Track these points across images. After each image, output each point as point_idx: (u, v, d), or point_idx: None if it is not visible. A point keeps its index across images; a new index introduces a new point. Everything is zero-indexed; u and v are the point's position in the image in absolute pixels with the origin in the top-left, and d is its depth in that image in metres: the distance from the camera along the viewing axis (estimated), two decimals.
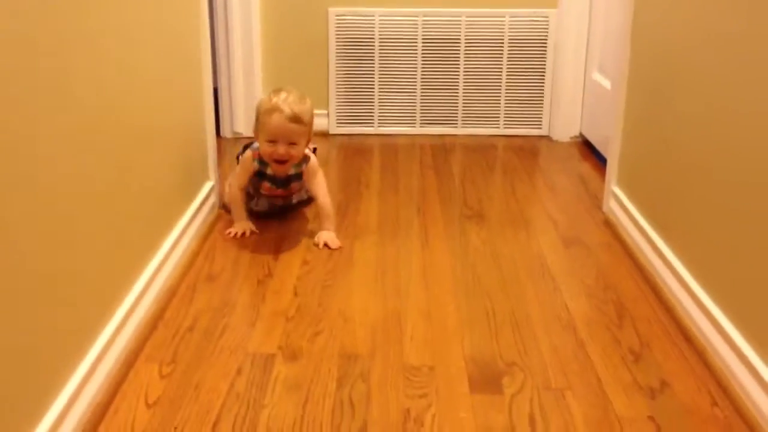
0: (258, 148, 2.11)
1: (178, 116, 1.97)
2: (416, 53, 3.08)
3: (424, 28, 3.05)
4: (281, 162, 2.07)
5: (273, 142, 2.04)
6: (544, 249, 2.10)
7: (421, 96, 3.12)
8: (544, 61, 3.08)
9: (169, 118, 1.89)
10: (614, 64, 2.38)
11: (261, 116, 2.05)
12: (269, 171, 2.13)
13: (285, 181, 2.16)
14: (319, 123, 3.11)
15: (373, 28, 3.05)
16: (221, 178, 2.39)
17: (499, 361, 1.55)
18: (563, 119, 3.08)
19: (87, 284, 1.37)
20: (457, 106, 3.13)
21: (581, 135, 3.06)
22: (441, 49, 3.08)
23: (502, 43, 3.06)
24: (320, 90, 3.09)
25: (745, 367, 1.40)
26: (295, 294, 1.83)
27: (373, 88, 3.12)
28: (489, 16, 3.04)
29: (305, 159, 2.13)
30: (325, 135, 3.12)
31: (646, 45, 2.04)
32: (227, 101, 3.06)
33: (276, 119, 2.01)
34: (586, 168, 2.77)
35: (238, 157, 2.25)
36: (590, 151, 2.94)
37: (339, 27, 3.05)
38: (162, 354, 1.56)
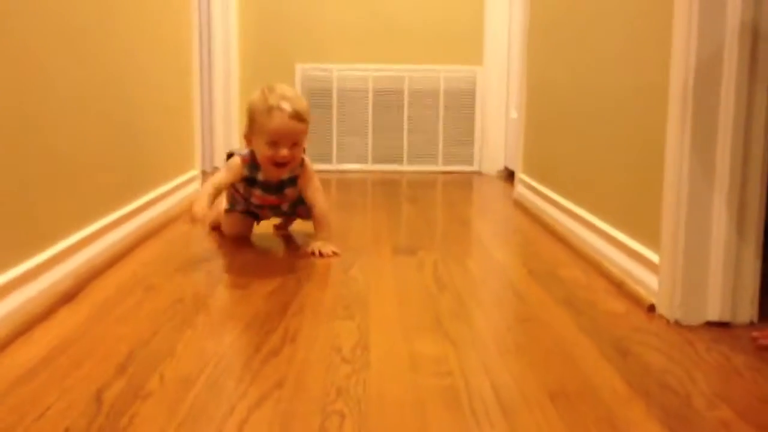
0: (246, 154, 1.93)
1: (171, 99, 2.52)
2: (368, 102, 3.70)
3: (374, 81, 3.69)
4: (283, 165, 1.88)
5: (274, 143, 1.84)
6: (466, 216, 2.63)
7: (373, 138, 3.72)
8: (473, 109, 3.71)
9: (163, 96, 2.44)
10: (520, 101, 3.03)
11: (258, 117, 1.85)
12: (260, 177, 1.94)
13: (278, 187, 1.97)
14: None
15: (332, 81, 3.68)
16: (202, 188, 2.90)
17: (417, 246, 2.05)
18: (490, 156, 3.69)
19: (75, 202, 1.88)
20: (402, 146, 3.73)
21: (506, 168, 3.66)
22: (388, 99, 3.71)
23: (439, 94, 3.70)
24: None
25: (603, 240, 1.92)
26: None
27: (332, 130, 3.71)
28: (427, 72, 3.69)
29: (301, 163, 1.94)
30: None
31: (535, 84, 2.69)
32: (208, 140, 3.62)
33: (278, 118, 1.82)
34: (507, 187, 3.35)
35: (228, 157, 2.05)
36: (511, 178, 3.52)
37: (304, 79, 3.68)
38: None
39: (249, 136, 1.91)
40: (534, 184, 2.62)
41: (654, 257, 1.53)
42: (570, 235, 2.11)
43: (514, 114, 3.52)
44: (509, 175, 3.64)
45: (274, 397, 1.07)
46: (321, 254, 1.88)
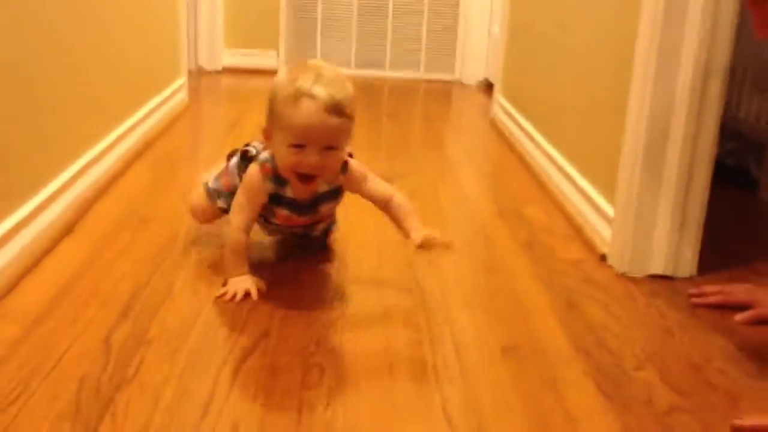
0: (268, 160, 1.38)
1: (155, 13, 2.56)
2: (353, 6, 3.72)
3: None
4: (308, 179, 1.34)
5: (300, 147, 1.30)
6: (442, 133, 2.75)
7: (356, 42, 3.76)
8: (456, 18, 3.75)
9: (147, 11, 2.48)
10: (502, 19, 3.07)
11: (279, 106, 1.30)
12: (289, 193, 1.40)
13: (311, 205, 1.44)
14: (269, 63, 3.72)
15: None
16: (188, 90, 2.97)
17: (395, 173, 2.18)
18: (471, 66, 3.76)
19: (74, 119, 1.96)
20: (385, 52, 3.78)
21: (486, 79, 3.73)
22: (373, 5, 3.72)
23: (423, 3, 3.73)
24: (272, 32, 3.71)
25: (567, 182, 2.05)
26: None
27: (316, 34, 3.74)
28: None
29: (342, 167, 1.40)
30: (275, 73, 3.73)
31: (517, 5, 2.74)
32: (192, 36, 3.64)
33: (307, 110, 1.27)
34: (485, 98, 3.44)
35: (229, 158, 1.55)
36: (491, 89, 3.61)
37: None
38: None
39: (268, 132, 1.36)
40: (510, 109, 2.72)
41: (609, 209, 1.67)
42: (539, 170, 2.23)
43: (496, 29, 3.56)
44: (488, 86, 3.72)
45: (261, 348, 1.22)
46: (434, 244, 1.38)
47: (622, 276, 1.58)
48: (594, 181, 1.82)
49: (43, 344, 1.20)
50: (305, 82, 1.28)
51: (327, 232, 1.62)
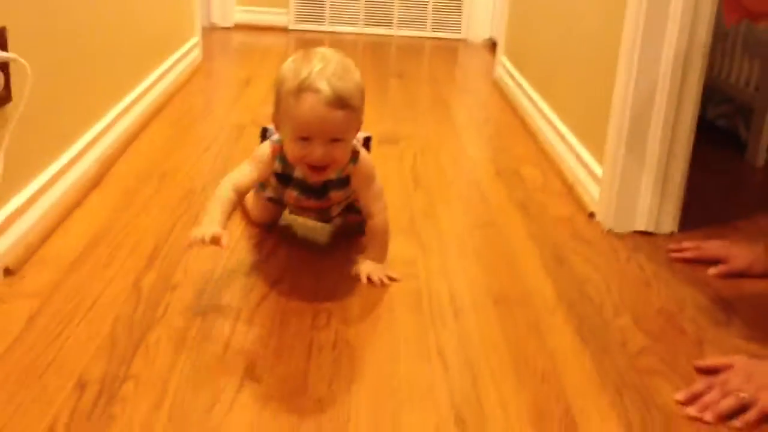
0: (279, 142, 1.39)
1: None
2: None
3: None
4: (318, 170, 1.35)
5: (305, 139, 1.30)
6: (446, 93, 2.85)
7: (365, 1, 3.83)
8: None
9: None
10: None
11: (284, 98, 1.31)
12: (297, 174, 1.42)
13: (320, 190, 1.45)
14: (280, 20, 3.81)
15: None
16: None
17: (400, 134, 2.29)
18: (477, 25, 3.84)
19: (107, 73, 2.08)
20: (393, 11, 3.86)
21: (491, 38, 3.81)
22: None
23: None
24: None
25: (562, 143, 2.16)
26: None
27: None
28: None
29: (353, 156, 1.40)
30: (285, 30, 3.82)
31: None
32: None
33: (309, 104, 1.27)
34: (489, 57, 3.53)
35: (262, 136, 1.53)
36: (495, 48, 3.69)
37: None
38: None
39: (277, 121, 1.36)
40: (512, 69, 2.82)
41: (599, 170, 1.79)
42: (537, 131, 2.34)
43: None
44: (493, 45, 3.80)
45: (274, 294, 1.36)
46: (371, 281, 1.41)
47: (608, 232, 1.70)
48: (586, 142, 1.93)
49: (79, 287, 1.34)
50: (309, 75, 1.27)
51: (347, 214, 1.57)
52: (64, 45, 1.63)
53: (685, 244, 1.61)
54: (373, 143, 1.61)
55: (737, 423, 1.09)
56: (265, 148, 1.40)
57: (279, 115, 1.34)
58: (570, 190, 1.92)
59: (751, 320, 1.37)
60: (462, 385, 1.14)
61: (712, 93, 2.44)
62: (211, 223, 1.28)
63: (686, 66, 1.60)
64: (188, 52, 2.81)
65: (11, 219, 1.38)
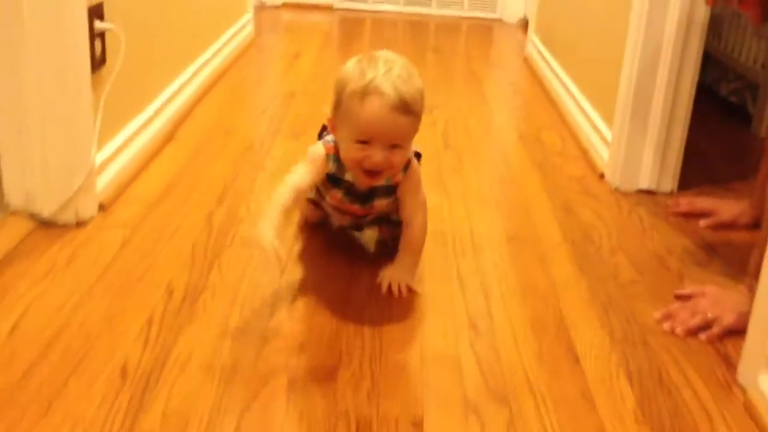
0: (334, 142, 1.37)
1: None
2: None
3: None
4: (374, 174, 1.33)
5: (365, 143, 1.29)
6: (479, 68, 3.08)
7: None
8: None
9: None
10: None
11: (346, 99, 1.29)
12: (348, 177, 1.39)
13: (366, 196, 1.42)
14: None
15: None
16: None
17: (434, 103, 2.53)
18: (511, 5, 4.04)
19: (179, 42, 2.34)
20: None
21: (524, 18, 4.02)
22: None
23: None
24: None
25: (580, 111, 2.38)
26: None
27: None
28: None
29: (405, 165, 1.38)
30: (330, 9, 4.07)
31: None
32: None
33: (374, 108, 1.25)
34: (522, 36, 3.74)
35: (320, 134, 1.48)
36: (527, 27, 3.91)
37: None
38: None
39: (334, 123, 1.35)
40: (540, 46, 3.03)
41: (609, 134, 2.01)
42: (558, 101, 2.57)
43: None
44: (526, 25, 4.01)
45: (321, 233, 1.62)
46: (390, 292, 1.39)
47: (615, 190, 1.93)
48: (599, 109, 2.15)
49: (162, 220, 1.61)
50: (374, 78, 1.26)
51: (379, 223, 1.53)
52: (148, 18, 1.90)
53: (681, 200, 1.84)
54: None
55: (703, 337, 1.32)
56: (319, 148, 1.38)
57: (339, 116, 1.31)
58: (584, 154, 2.15)
59: (729, 262, 1.59)
60: (476, 301, 1.39)
61: (726, 71, 2.64)
62: (268, 227, 1.26)
63: (686, 39, 1.81)
64: (242, 27, 3.07)
65: (105, 163, 1.66)
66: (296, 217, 1.63)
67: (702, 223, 1.76)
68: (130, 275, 1.40)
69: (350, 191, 1.41)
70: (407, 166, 1.39)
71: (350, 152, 1.31)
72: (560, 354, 1.25)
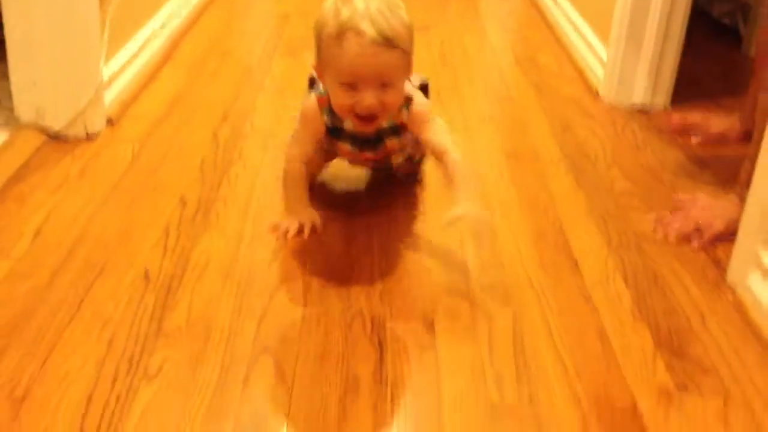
0: (325, 92, 1.28)
1: None
2: None
3: None
4: (369, 119, 1.24)
5: (351, 85, 1.20)
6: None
7: None
8: None
9: None
10: None
11: (325, 43, 1.20)
12: (347, 125, 1.30)
13: (374, 140, 1.34)
14: None
15: None
16: None
17: (429, 23, 2.54)
18: None
19: None
20: None
21: None
22: None
23: None
24: None
25: (575, 32, 2.40)
26: None
27: None
28: None
29: (405, 102, 1.29)
30: None
31: None
32: None
33: (352, 47, 1.17)
34: None
35: (310, 86, 1.38)
36: None
37: None
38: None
39: (319, 70, 1.27)
40: None
41: (604, 53, 2.04)
42: (554, 23, 2.58)
43: None
44: None
45: None
46: (469, 226, 1.28)
47: (610, 107, 1.97)
48: (595, 29, 2.18)
49: (169, 136, 1.64)
50: (351, 16, 1.16)
51: (415, 163, 1.48)
52: None
53: (673, 115, 1.88)
54: None
55: (694, 243, 1.39)
56: (311, 102, 1.30)
57: (321, 62, 1.23)
58: (580, 75, 2.18)
59: (719, 173, 1.65)
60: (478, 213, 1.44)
61: None
62: (301, 207, 1.27)
63: None
64: None
65: (111, 79, 1.68)
66: None
67: (694, 140, 1.81)
68: (142, 187, 1.44)
69: (356, 140, 1.33)
70: (409, 103, 1.29)
71: (339, 98, 1.22)
72: (560, 260, 1.32)
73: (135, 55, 1.82)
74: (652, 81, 1.95)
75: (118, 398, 0.95)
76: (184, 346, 1.05)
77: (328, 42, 1.19)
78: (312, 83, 1.36)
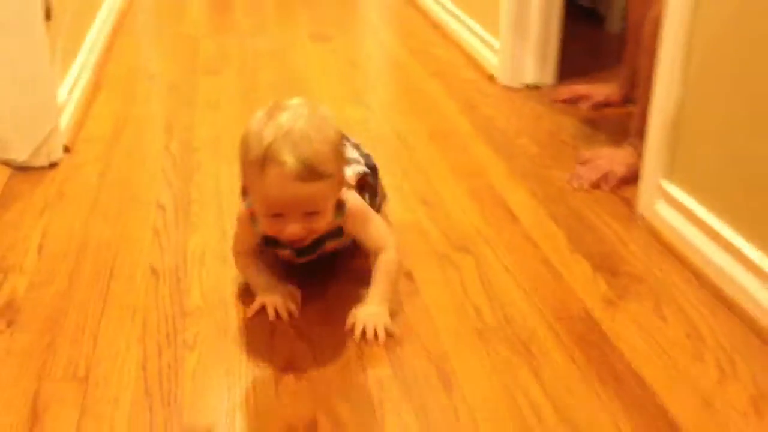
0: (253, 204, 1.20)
1: None
2: None
3: None
4: (299, 242, 1.20)
5: (276, 214, 1.15)
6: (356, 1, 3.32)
7: None
8: None
9: None
10: None
11: (248, 168, 1.14)
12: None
13: (315, 245, 1.26)
14: None
15: None
16: None
17: (329, 34, 2.74)
18: None
19: None
20: None
21: None
22: None
23: None
24: None
25: (464, 28, 2.66)
26: None
27: None
28: None
29: (339, 209, 1.22)
30: None
31: None
32: None
33: (274, 180, 1.10)
34: None
35: (243, 193, 1.27)
36: None
37: None
38: None
39: (244, 187, 1.24)
40: None
41: (495, 43, 2.31)
42: (441, 23, 2.84)
43: None
44: None
45: None
46: (365, 336, 1.17)
47: (505, 88, 2.24)
48: (484, 24, 2.45)
49: (125, 155, 1.78)
50: (272, 139, 1.09)
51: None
52: None
53: (561, 89, 2.17)
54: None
55: (604, 187, 1.65)
56: (243, 213, 1.24)
57: (247, 183, 1.18)
58: (472, 62, 2.45)
59: (610, 131, 1.93)
60: (421, 186, 1.66)
61: None
62: (269, 286, 1.25)
63: None
64: None
65: (61, 106, 1.79)
66: None
67: (582, 105, 2.10)
68: (119, 199, 1.58)
69: (295, 248, 1.26)
70: (342, 208, 1.22)
71: (265, 225, 1.17)
72: (499, 213, 1.55)
73: (75, 83, 1.94)
74: (540, 62, 2.23)
75: (169, 365, 1.11)
76: (209, 319, 1.22)
77: (251, 169, 1.12)
78: (245, 191, 1.25)
